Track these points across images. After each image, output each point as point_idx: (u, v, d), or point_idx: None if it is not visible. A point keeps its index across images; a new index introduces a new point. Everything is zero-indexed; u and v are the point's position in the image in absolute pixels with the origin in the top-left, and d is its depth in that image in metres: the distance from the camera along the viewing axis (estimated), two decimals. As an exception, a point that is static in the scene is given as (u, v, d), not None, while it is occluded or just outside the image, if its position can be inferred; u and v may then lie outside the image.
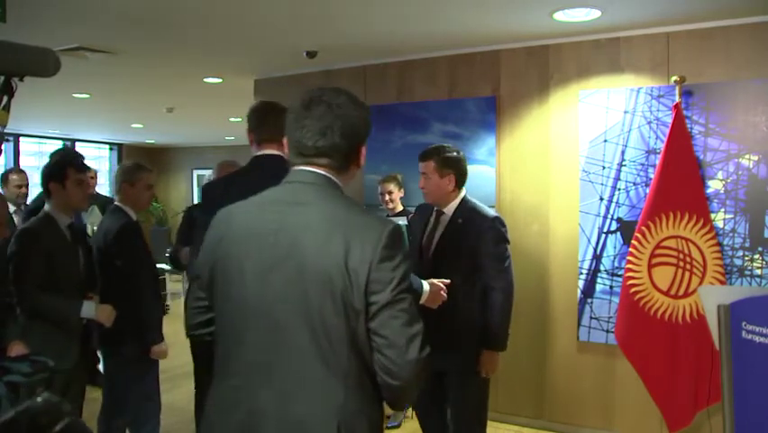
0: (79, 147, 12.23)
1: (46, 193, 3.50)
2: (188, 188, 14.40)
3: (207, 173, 12.47)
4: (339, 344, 1.59)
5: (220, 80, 6.34)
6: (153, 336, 3.61)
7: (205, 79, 6.30)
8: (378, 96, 5.45)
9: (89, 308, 3.38)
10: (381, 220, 1.72)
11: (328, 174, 1.74)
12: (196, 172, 14.15)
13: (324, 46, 5.04)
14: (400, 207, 4.95)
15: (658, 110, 4.29)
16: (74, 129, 11.06)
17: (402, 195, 4.99)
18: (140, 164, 3.83)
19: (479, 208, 3.39)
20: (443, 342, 2.69)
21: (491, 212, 3.43)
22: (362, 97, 5.50)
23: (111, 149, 13.10)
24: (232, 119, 9.34)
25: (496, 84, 4.95)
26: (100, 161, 13.00)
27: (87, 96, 7.29)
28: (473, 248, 3.29)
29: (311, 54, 5.21)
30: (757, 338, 2.62)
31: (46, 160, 3.97)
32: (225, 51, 5.23)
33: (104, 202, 6.34)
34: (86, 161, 3.66)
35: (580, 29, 4.42)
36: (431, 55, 5.19)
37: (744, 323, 2.68)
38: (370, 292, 1.58)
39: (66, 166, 3.45)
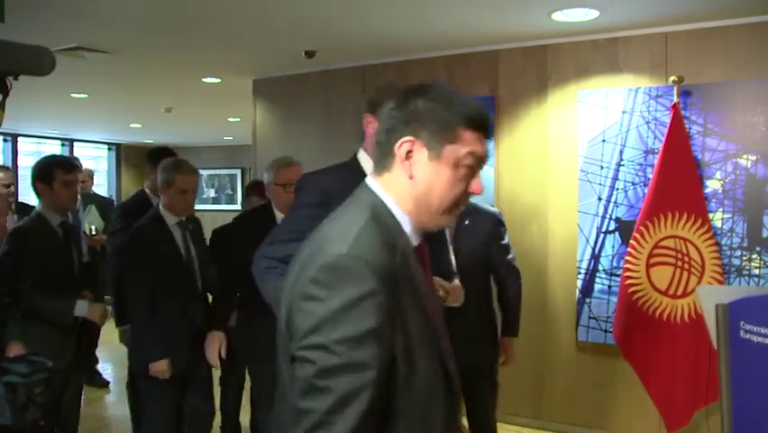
0: (78, 147, 12.23)
1: (35, 193, 3.51)
2: (187, 188, 14.39)
3: (206, 173, 12.49)
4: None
5: (219, 80, 6.34)
6: (145, 354, 3.35)
7: (204, 79, 6.30)
8: (376, 95, 5.44)
9: (82, 307, 3.39)
10: (340, 242, 1.30)
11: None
12: (194, 172, 14.14)
13: (323, 46, 5.04)
14: None
15: (656, 110, 4.30)
16: (72, 129, 11.05)
17: None
18: (176, 163, 3.55)
19: (479, 206, 3.43)
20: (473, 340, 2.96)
21: (491, 207, 3.51)
22: (359, 97, 5.56)
23: (109, 149, 13.08)
24: (230, 119, 9.33)
25: (494, 84, 4.95)
26: (98, 161, 12.99)
27: (86, 95, 7.29)
28: (485, 246, 3.37)
29: (310, 54, 5.21)
30: (755, 338, 2.62)
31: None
32: (224, 51, 5.23)
33: (100, 202, 6.34)
34: (78, 162, 3.67)
35: (578, 29, 4.42)
36: (429, 55, 5.19)
37: (742, 322, 2.68)
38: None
39: (53, 167, 3.47)
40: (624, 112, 4.40)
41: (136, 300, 3.36)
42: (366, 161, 2.33)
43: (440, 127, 1.38)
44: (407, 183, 1.40)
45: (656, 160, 4.13)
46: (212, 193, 13.12)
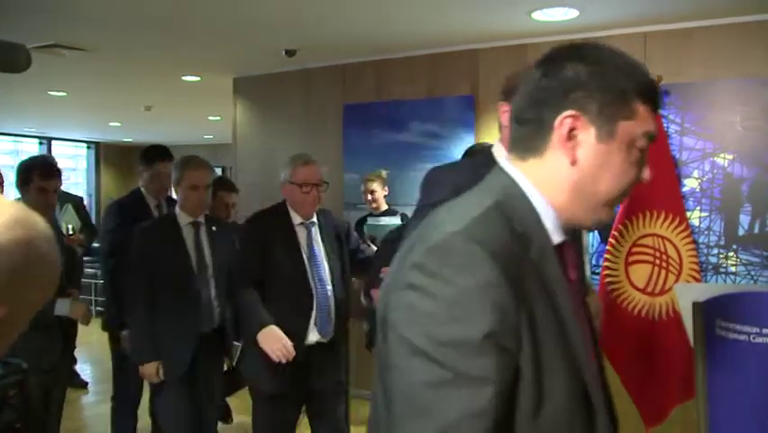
0: (56, 145, 12.12)
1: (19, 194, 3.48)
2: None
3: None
4: None
5: (198, 79, 6.31)
6: (137, 356, 3.32)
7: (184, 78, 6.26)
8: (356, 94, 5.45)
9: (63, 306, 3.33)
10: (454, 222, 1.04)
11: None
12: (174, 171, 14.04)
13: (304, 45, 5.03)
14: (384, 206, 4.77)
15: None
16: (50, 127, 10.95)
17: (386, 193, 4.81)
18: (186, 160, 3.42)
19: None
20: None
21: None
22: (340, 96, 5.58)
23: (89, 147, 12.97)
24: (211, 118, 9.29)
25: (475, 83, 4.96)
26: (77, 160, 12.87)
27: (64, 94, 7.22)
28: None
29: (290, 53, 5.20)
30: (731, 335, 2.65)
31: (23, 158, 3.92)
32: (203, 50, 5.20)
33: (75, 201, 6.26)
34: (57, 168, 3.59)
35: (558, 28, 4.44)
36: (410, 54, 5.20)
37: (718, 320, 2.71)
38: None
39: (32, 170, 3.43)
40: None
41: (132, 301, 3.30)
42: (503, 154, 2.04)
43: (613, 99, 1.08)
44: (566, 169, 1.10)
45: (635, 159, 4.15)
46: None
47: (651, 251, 4.01)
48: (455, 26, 4.48)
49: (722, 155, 4.11)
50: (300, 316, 3.19)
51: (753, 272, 4.04)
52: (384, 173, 4.84)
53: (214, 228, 3.50)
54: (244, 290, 3.18)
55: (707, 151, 4.14)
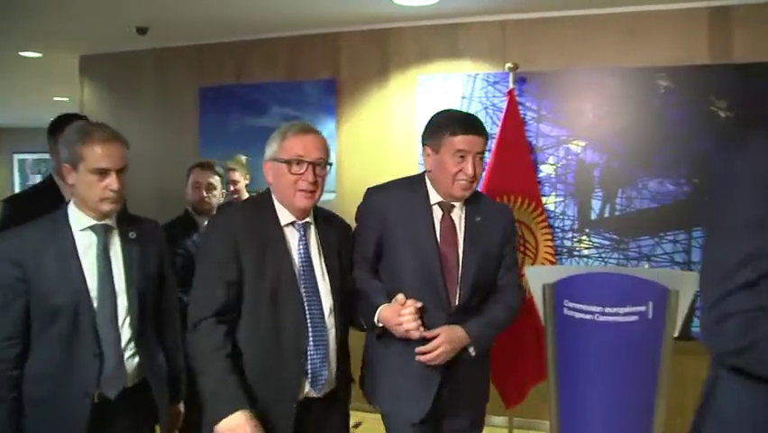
0: None
1: None
2: (8, 173, 13.21)
3: (30, 157, 11.52)
4: None
5: (39, 55, 5.80)
6: None
7: (22, 53, 5.74)
8: (214, 77, 5.20)
9: None
10: None
11: None
12: (16, 156, 13.01)
13: (156, 22, 4.71)
14: (246, 195, 4.35)
15: (494, 96, 4.38)
16: None
17: (248, 182, 4.43)
18: (87, 129, 2.21)
19: (486, 198, 2.69)
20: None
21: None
22: (197, 79, 5.29)
23: None
24: (57, 98, 8.63)
25: (336, 67, 4.85)
26: None
27: None
28: (501, 254, 2.57)
29: (141, 30, 4.86)
30: (577, 314, 2.69)
31: None
32: (44, 22, 4.76)
33: None
34: None
35: (419, 13, 4.41)
36: (270, 36, 5.01)
37: (566, 301, 2.74)
38: None
39: None
40: (463, 97, 4.44)
41: None
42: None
43: None
44: None
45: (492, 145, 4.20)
46: (38, 179, 12.15)
47: (508, 236, 4.07)
48: (317, 8, 4.34)
49: (575, 142, 4.23)
50: (289, 361, 2.17)
51: (603, 255, 4.19)
52: (244, 159, 4.55)
53: (132, 234, 2.34)
54: (206, 331, 2.11)
55: (561, 138, 4.25)
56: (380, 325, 2.35)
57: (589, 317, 2.67)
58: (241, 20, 4.65)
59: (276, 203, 2.26)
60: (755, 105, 3.90)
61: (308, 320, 2.18)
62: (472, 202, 2.52)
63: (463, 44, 4.54)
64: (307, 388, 2.20)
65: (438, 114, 2.54)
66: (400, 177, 2.66)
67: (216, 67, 5.22)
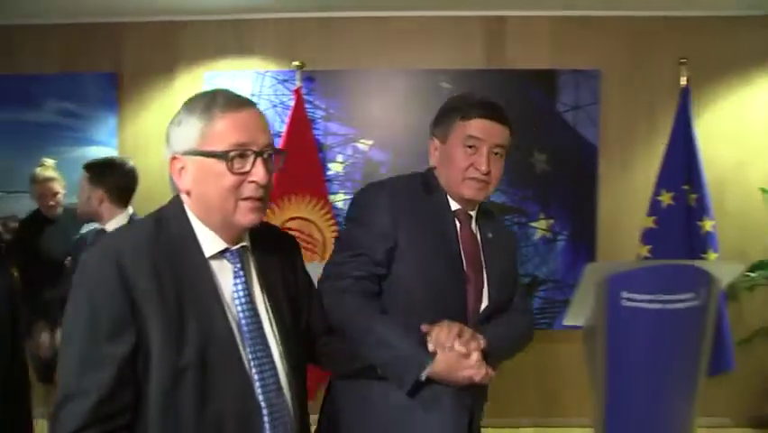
0: None
1: None
2: None
3: None
4: None
5: None
6: None
7: None
8: (-23, 66, 4.72)
9: None
10: None
11: None
12: None
13: None
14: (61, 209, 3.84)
15: (283, 94, 4.36)
16: None
17: (65, 191, 3.85)
18: None
19: (492, 211, 2.17)
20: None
21: None
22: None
23: None
24: None
25: (118, 60, 4.58)
26: None
27: None
28: (515, 280, 2.14)
29: None
30: (635, 304, 2.64)
31: None
32: None
33: None
34: None
35: (207, 8, 4.29)
36: (43, 22, 4.61)
37: (623, 292, 2.69)
38: None
39: None
40: (252, 95, 4.38)
41: None
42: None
43: None
44: None
45: (279, 143, 4.19)
46: None
47: (296, 233, 4.07)
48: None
49: (363, 140, 4.32)
50: None
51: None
52: (54, 162, 3.91)
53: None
54: None
55: (349, 136, 4.33)
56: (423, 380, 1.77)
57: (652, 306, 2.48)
58: (7, 1, 4.25)
59: (195, 223, 1.47)
60: (526, 108, 4.21)
61: (261, 401, 1.44)
62: (481, 213, 2.05)
63: (252, 41, 4.47)
64: None
65: (449, 98, 2.05)
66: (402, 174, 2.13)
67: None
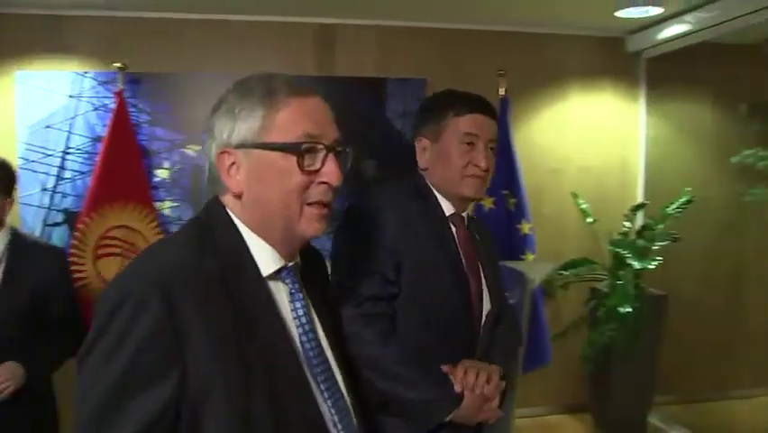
0: None
1: None
2: None
3: None
4: None
5: None
6: None
7: None
8: None
9: None
10: None
11: None
12: None
13: None
14: None
15: (105, 96, 4.15)
16: None
17: None
18: None
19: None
20: None
21: None
22: None
23: None
24: None
25: None
26: None
27: None
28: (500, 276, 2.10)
29: None
30: None
31: None
32: None
33: None
34: None
35: (21, 0, 3.99)
36: None
37: None
38: None
39: None
40: (71, 96, 4.14)
41: None
42: None
43: None
44: None
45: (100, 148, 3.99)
46: None
47: (120, 243, 3.91)
48: None
49: (191, 146, 4.21)
50: None
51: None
52: None
53: None
54: None
55: (176, 141, 4.20)
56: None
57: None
58: None
59: (247, 235, 1.23)
60: (356, 115, 4.29)
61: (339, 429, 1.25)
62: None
63: (72, 39, 4.22)
64: None
65: (434, 95, 1.99)
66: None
67: None
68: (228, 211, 1.23)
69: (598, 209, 4.68)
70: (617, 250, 4.38)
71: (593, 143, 4.86)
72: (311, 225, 1.21)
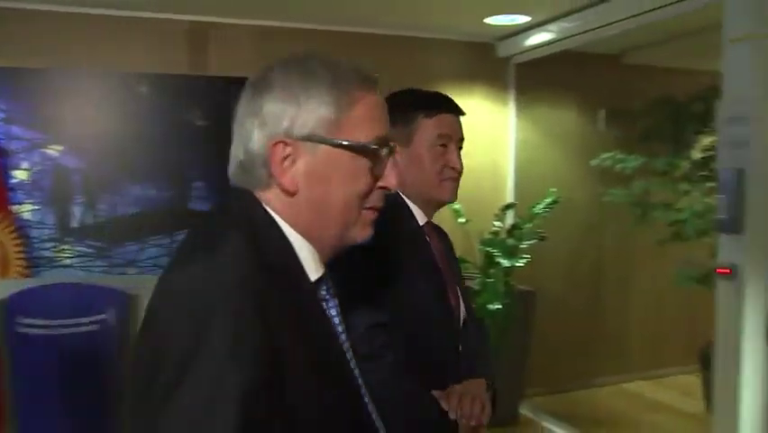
0: None
1: None
2: None
3: None
4: None
5: None
6: None
7: None
8: None
9: None
10: None
11: None
12: None
13: None
14: None
15: (-44, 93, 3.88)
16: None
17: None
18: None
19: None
20: None
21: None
22: None
23: None
24: None
25: None
26: None
27: None
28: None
29: None
30: (31, 330, 2.55)
31: None
32: None
33: None
34: None
35: None
36: None
37: (19, 316, 2.58)
38: None
39: None
40: None
41: None
42: None
43: None
44: None
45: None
46: None
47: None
48: None
49: (53, 146, 4.00)
50: None
51: (88, 263, 4.03)
52: None
53: None
54: None
55: (36, 141, 3.97)
56: None
57: (45, 332, 2.56)
58: None
59: (292, 237, 1.08)
60: (225, 115, 4.19)
61: None
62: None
63: None
64: None
65: (395, 96, 1.73)
66: None
67: None
68: (268, 209, 1.07)
69: (470, 210, 4.81)
70: (488, 249, 4.53)
71: (465, 146, 4.98)
72: (365, 231, 1.12)
